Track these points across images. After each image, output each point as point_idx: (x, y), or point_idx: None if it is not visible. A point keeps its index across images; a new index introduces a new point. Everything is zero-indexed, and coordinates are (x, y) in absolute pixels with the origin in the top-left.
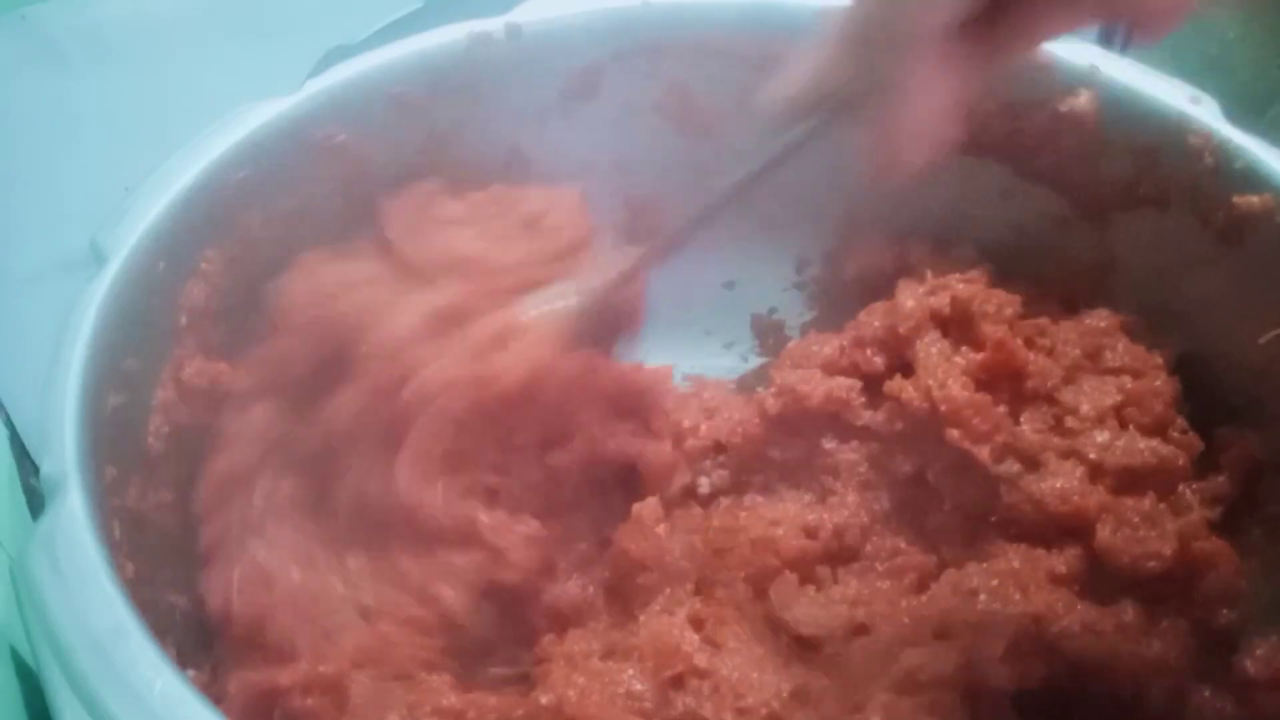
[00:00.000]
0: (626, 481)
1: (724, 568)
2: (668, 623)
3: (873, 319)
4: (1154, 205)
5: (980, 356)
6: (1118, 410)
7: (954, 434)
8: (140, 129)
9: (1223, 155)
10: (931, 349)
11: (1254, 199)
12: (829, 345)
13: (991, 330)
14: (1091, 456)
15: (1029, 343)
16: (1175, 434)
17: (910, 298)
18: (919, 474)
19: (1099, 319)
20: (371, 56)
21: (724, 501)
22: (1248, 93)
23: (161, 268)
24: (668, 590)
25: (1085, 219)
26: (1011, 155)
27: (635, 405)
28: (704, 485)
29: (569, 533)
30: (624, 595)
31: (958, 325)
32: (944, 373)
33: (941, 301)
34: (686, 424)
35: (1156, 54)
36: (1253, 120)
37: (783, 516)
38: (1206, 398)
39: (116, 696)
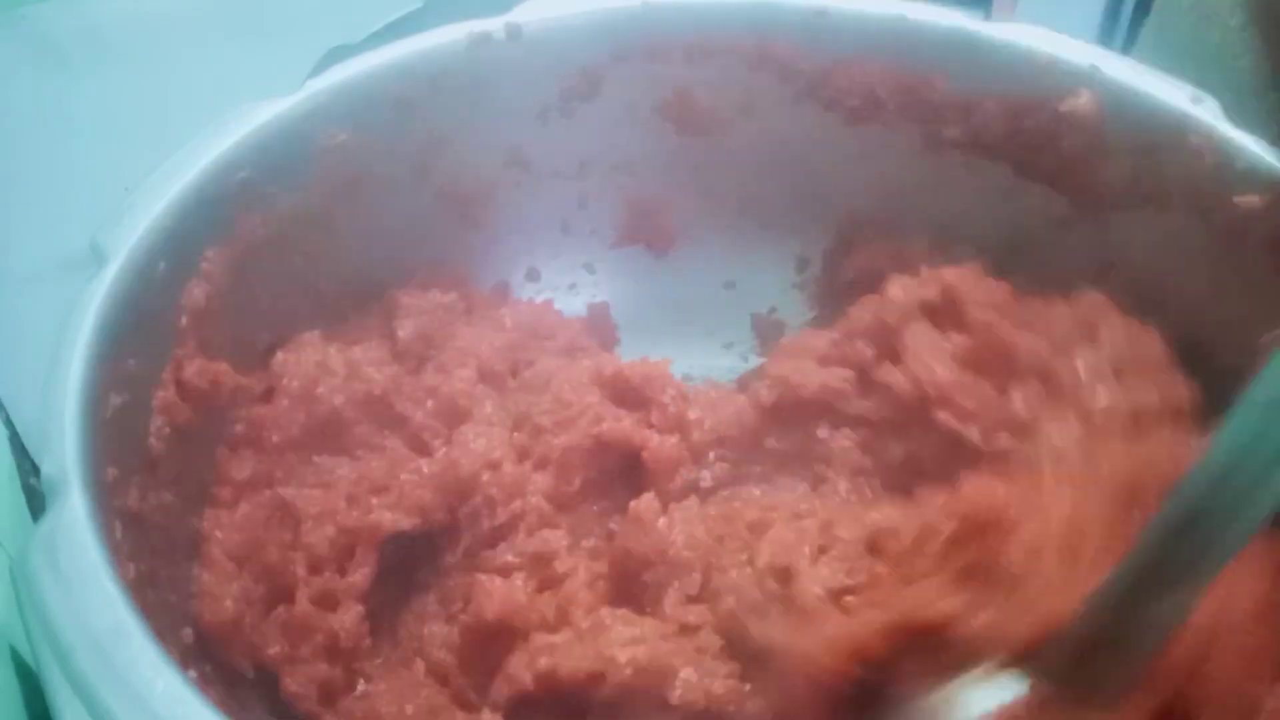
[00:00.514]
0: (630, 476)
1: (726, 553)
2: (686, 610)
3: (863, 311)
4: (1154, 205)
5: (968, 340)
6: (1114, 367)
7: (943, 415)
8: (140, 129)
9: (1224, 155)
10: (920, 335)
11: (1254, 199)
12: (822, 339)
13: (979, 314)
14: (1091, 408)
15: (1021, 325)
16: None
17: (900, 288)
18: (911, 458)
19: (1092, 299)
20: (371, 56)
21: (723, 494)
22: (1250, 79)
23: (161, 268)
24: (676, 583)
25: (1085, 219)
26: (1011, 155)
27: (635, 397)
28: (705, 479)
29: (577, 527)
30: (633, 593)
31: (947, 313)
32: (930, 356)
33: (931, 291)
34: (692, 416)
35: (1159, 43)
36: (1255, 105)
37: (778, 503)
38: (1206, 397)
39: (117, 697)
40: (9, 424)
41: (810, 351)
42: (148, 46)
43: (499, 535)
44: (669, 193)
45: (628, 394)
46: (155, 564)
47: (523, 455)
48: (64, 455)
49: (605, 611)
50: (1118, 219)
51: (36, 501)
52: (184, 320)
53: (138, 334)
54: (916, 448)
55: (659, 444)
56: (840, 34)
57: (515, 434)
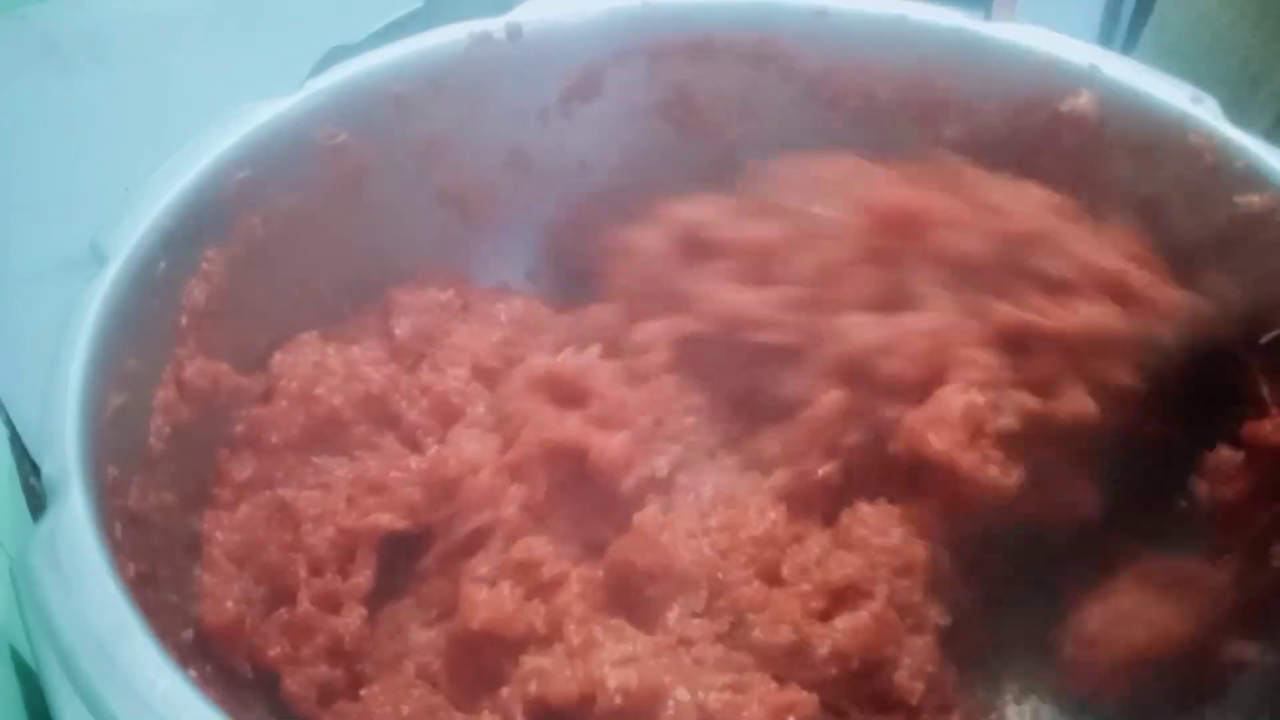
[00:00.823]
0: (592, 476)
1: (734, 567)
2: (688, 624)
3: (620, 276)
4: (1154, 205)
5: (733, 261)
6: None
7: (760, 336)
8: (140, 129)
9: (1223, 155)
10: (695, 277)
11: (1254, 199)
12: (607, 309)
13: (728, 233)
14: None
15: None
16: None
17: (640, 238)
18: (763, 392)
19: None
20: (371, 56)
21: (681, 479)
22: (1242, 76)
23: (161, 268)
24: (681, 598)
25: (1085, 219)
26: (1011, 155)
27: (574, 392)
28: (661, 467)
29: (555, 534)
30: (633, 607)
31: (702, 245)
32: (716, 289)
33: (673, 230)
34: (633, 400)
35: (1154, 42)
36: (1246, 102)
37: (768, 503)
38: (1206, 395)
39: (118, 697)
40: (9, 424)
41: (614, 322)
42: (148, 46)
43: (475, 544)
44: (669, 193)
45: (566, 391)
46: (155, 564)
47: (501, 461)
48: (64, 455)
49: (598, 626)
50: (1118, 219)
51: (36, 501)
52: (184, 320)
53: (138, 334)
54: (762, 378)
55: (603, 446)
56: (840, 34)
57: (496, 437)
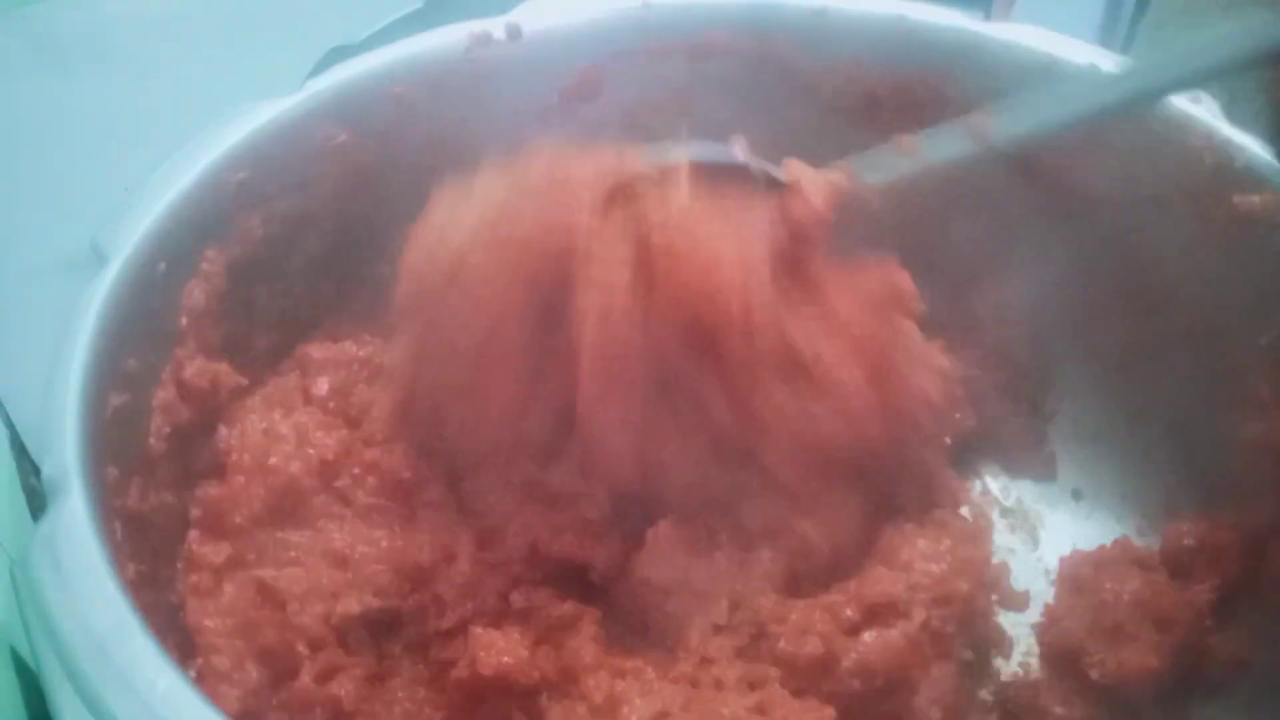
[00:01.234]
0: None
1: (752, 578)
2: (708, 642)
3: None
4: (1154, 205)
5: None
6: None
7: None
8: (140, 129)
9: (1223, 155)
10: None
11: (1254, 199)
12: None
13: None
14: None
15: None
16: None
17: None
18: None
19: None
20: (371, 56)
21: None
22: (1242, 76)
23: (161, 268)
24: (702, 611)
25: (1084, 218)
26: (1011, 155)
27: (551, 493)
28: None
29: (529, 619)
30: (654, 627)
31: None
32: None
33: None
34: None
35: (1155, 44)
36: (1246, 102)
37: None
38: (1207, 392)
39: (118, 696)
40: (9, 424)
41: None
42: (148, 46)
43: (448, 636)
44: None
45: (543, 491)
46: (155, 564)
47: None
48: (64, 455)
49: (618, 676)
50: (1118, 218)
51: (37, 501)
52: (184, 320)
53: (138, 334)
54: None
55: (606, 561)
56: (840, 34)
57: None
